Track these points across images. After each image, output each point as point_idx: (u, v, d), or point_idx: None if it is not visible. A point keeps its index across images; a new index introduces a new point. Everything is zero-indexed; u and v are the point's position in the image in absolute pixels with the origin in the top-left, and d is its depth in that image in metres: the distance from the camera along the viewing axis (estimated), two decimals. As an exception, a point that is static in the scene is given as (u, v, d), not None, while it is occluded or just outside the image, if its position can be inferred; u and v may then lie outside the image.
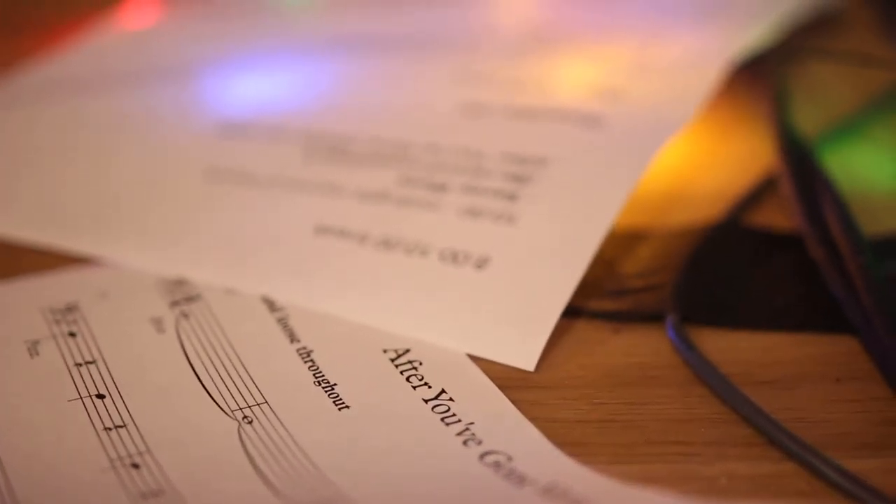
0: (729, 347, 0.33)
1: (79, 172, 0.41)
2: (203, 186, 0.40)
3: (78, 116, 0.44)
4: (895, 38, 0.49)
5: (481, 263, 0.35)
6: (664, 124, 0.39)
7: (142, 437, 0.30)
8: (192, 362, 0.33)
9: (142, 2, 0.54)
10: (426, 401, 0.31)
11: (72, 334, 0.34)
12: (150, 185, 0.40)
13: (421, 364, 0.32)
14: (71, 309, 0.35)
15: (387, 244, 0.36)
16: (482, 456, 0.29)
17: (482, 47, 0.46)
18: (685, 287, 0.35)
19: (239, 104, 0.44)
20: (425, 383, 0.32)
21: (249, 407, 0.31)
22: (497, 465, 0.29)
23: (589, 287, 0.35)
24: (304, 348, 0.33)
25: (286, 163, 0.40)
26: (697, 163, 0.42)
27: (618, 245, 0.37)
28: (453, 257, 0.35)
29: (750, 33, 0.45)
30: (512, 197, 0.37)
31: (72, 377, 0.32)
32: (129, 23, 0.52)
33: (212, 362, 0.33)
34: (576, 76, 0.44)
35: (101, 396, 0.31)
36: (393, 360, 0.33)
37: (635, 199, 0.37)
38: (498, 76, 0.44)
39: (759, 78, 0.44)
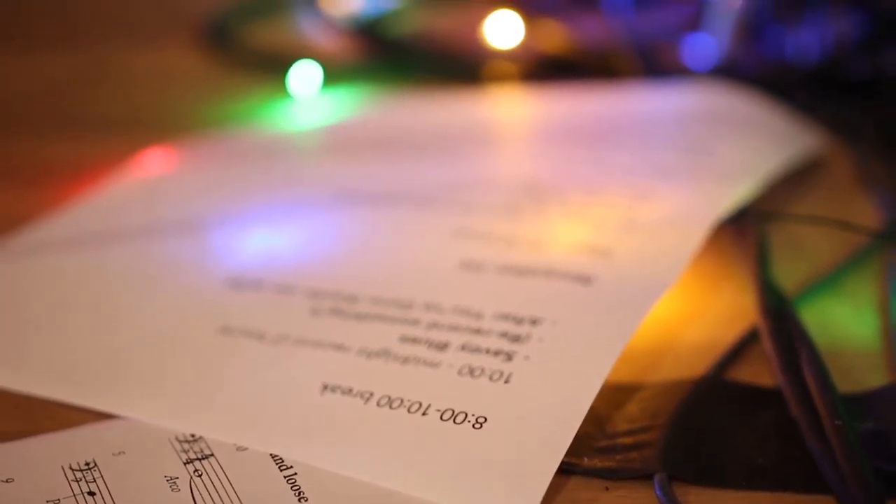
0: (714, 506, 0.35)
1: (92, 327, 0.43)
2: (214, 342, 0.42)
3: (91, 270, 0.47)
4: (874, 186, 0.52)
5: (479, 423, 0.37)
6: (653, 283, 0.42)
7: None
8: (206, 521, 0.34)
9: (154, 151, 0.57)
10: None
11: (91, 493, 0.35)
12: (162, 340, 0.42)
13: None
14: (90, 467, 0.36)
15: (390, 403, 0.38)
16: None
17: (479, 202, 0.48)
18: (672, 445, 0.37)
19: (248, 258, 0.47)
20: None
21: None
22: None
23: (580, 442, 0.37)
24: (312, 506, 0.35)
25: (294, 320, 0.42)
26: (685, 316, 0.44)
27: (607, 399, 0.39)
28: (453, 417, 0.37)
29: (735, 192, 0.47)
30: (508, 357, 0.39)
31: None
32: (142, 172, 0.55)
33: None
34: (568, 234, 0.46)
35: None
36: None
37: (625, 352, 0.39)
38: (494, 233, 0.46)
39: (743, 234, 0.47)
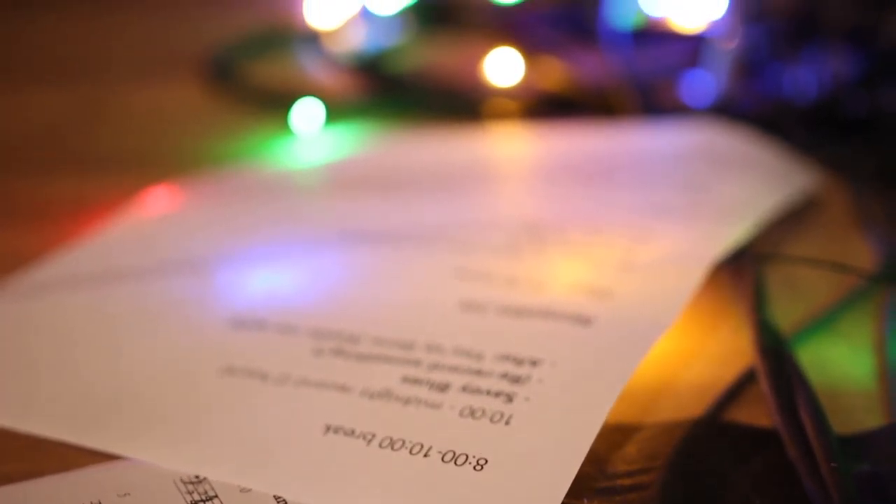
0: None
1: (96, 368, 0.44)
2: (218, 382, 0.42)
3: (95, 311, 0.47)
4: (871, 225, 0.52)
5: (480, 465, 0.37)
6: (652, 324, 0.42)
7: None
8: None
9: (157, 190, 0.57)
10: None
11: (96, 535, 0.36)
12: (166, 381, 0.43)
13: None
14: (95, 509, 0.37)
15: (392, 444, 0.38)
16: None
17: (480, 242, 0.49)
18: (670, 488, 0.38)
19: (251, 297, 0.47)
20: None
21: None
22: None
23: (580, 484, 0.37)
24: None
25: (297, 360, 0.43)
26: (683, 356, 0.45)
27: (607, 440, 0.40)
28: (454, 459, 0.37)
29: (732, 231, 0.48)
30: (508, 398, 0.39)
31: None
32: (145, 211, 0.55)
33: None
34: (567, 274, 0.46)
35: None
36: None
37: (624, 391, 0.40)
38: (495, 273, 0.47)
39: (740, 274, 0.47)
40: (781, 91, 0.66)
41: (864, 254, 0.51)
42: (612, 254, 0.47)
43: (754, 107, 0.65)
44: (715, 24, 0.73)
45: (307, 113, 0.66)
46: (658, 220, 0.49)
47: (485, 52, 0.74)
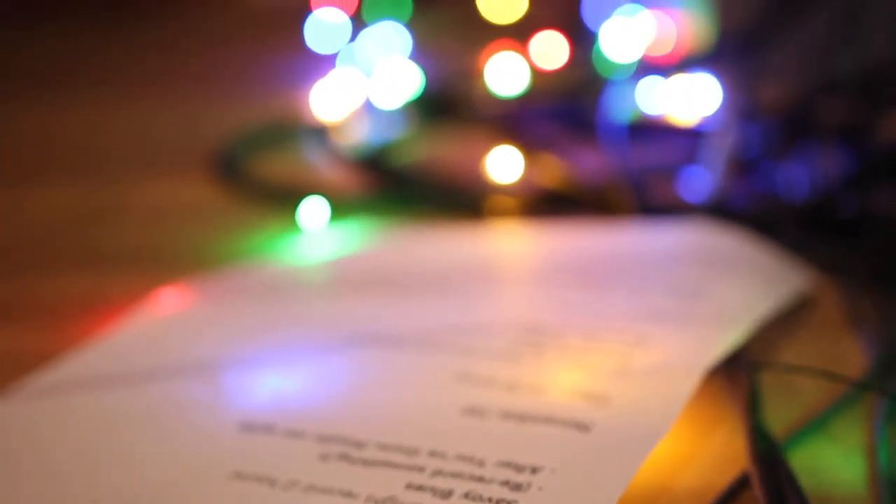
0: None
1: (106, 473, 0.45)
2: (228, 488, 0.44)
3: (105, 414, 0.48)
4: (863, 325, 0.54)
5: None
6: (648, 431, 0.43)
7: None
8: None
9: (168, 290, 0.59)
10: None
11: None
12: (177, 486, 0.44)
13: None
14: None
15: (396, 552, 0.40)
16: None
17: (482, 346, 0.50)
18: None
19: (260, 401, 0.48)
20: None
21: None
22: None
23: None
24: None
25: (304, 465, 0.44)
26: (679, 462, 0.46)
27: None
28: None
29: (726, 337, 0.49)
30: (509, 506, 0.41)
31: None
32: (156, 310, 0.57)
33: None
34: (566, 380, 0.48)
35: None
36: None
37: (620, 498, 0.41)
38: (496, 378, 0.48)
39: (734, 379, 0.49)
40: (775, 189, 0.68)
41: (856, 355, 0.52)
42: (609, 360, 0.48)
43: (748, 205, 0.66)
44: (709, 121, 0.75)
45: (313, 209, 0.67)
46: (654, 326, 0.51)
47: (485, 145, 0.76)
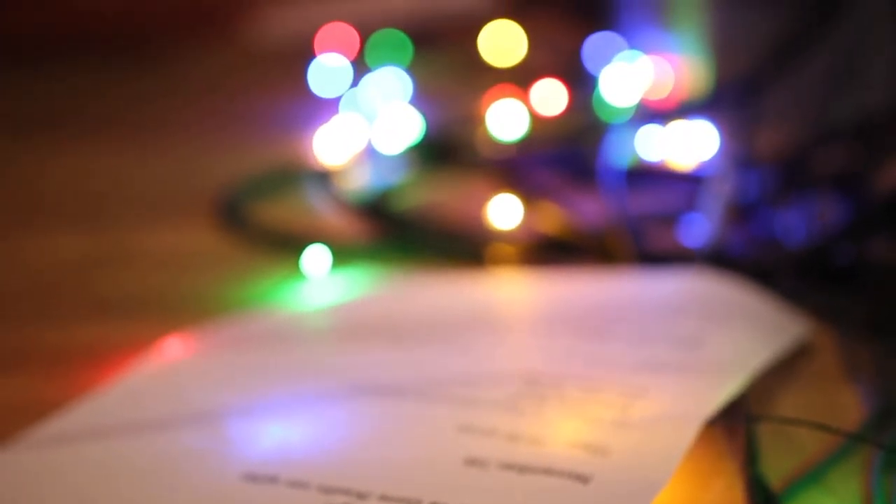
0: None
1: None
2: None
3: (110, 464, 0.49)
4: (859, 375, 0.54)
5: None
6: (647, 482, 0.44)
7: None
8: None
9: (172, 338, 0.59)
10: None
11: None
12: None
13: None
14: None
15: None
16: None
17: (483, 397, 0.51)
18: None
19: (264, 451, 0.49)
20: None
21: None
22: None
23: None
24: None
25: (307, 517, 0.45)
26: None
27: None
28: None
29: (724, 388, 0.50)
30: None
31: None
32: (160, 359, 0.57)
33: None
34: (566, 431, 0.49)
35: None
36: None
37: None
38: (497, 429, 0.49)
39: (732, 430, 0.49)
40: (772, 236, 0.68)
41: (853, 406, 0.53)
42: (608, 411, 0.49)
43: (746, 251, 0.67)
44: (707, 167, 0.76)
45: (317, 256, 0.68)
46: (653, 376, 0.51)
47: (486, 191, 0.77)
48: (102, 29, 1.30)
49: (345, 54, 1.00)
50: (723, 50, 0.88)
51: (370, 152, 0.85)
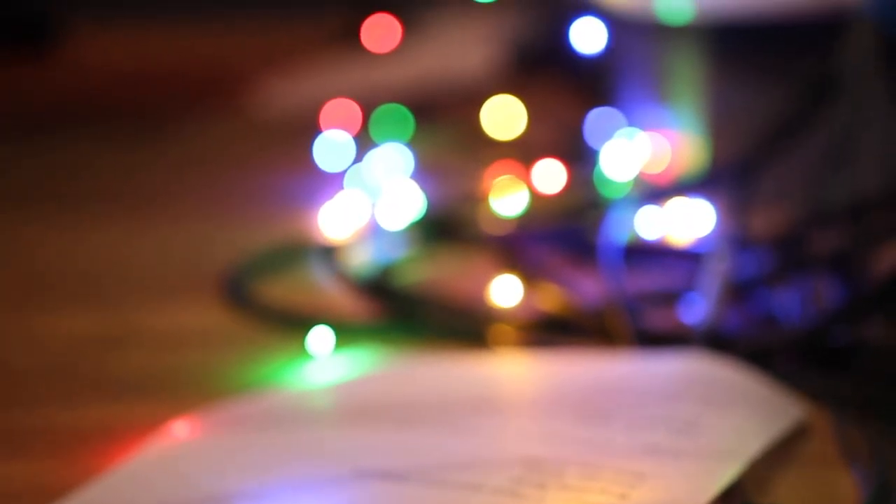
0: None
1: None
2: None
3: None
4: (854, 459, 0.55)
5: None
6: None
7: None
8: None
9: (178, 420, 0.60)
10: None
11: None
12: None
13: None
14: None
15: None
16: None
17: (485, 483, 0.52)
18: None
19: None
20: None
21: None
22: None
23: None
24: None
25: None
26: None
27: None
28: None
29: (721, 474, 0.51)
30: None
31: None
32: (165, 441, 0.58)
33: None
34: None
35: None
36: None
37: None
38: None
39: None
40: (768, 317, 0.70)
41: (848, 490, 0.53)
42: (608, 499, 0.50)
43: (742, 331, 0.68)
44: (704, 245, 0.77)
45: (321, 336, 0.69)
46: (651, 462, 0.52)
47: (487, 267, 0.78)
48: (104, 99, 1.32)
49: (348, 129, 1.01)
50: (719, 128, 0.90)
51: (373, 228, 0.86)
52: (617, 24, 0.92)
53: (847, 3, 0.81)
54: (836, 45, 0.79)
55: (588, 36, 0.91)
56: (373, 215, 0.87)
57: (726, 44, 0.88)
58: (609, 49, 0.92)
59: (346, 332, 0.71)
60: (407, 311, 0.73)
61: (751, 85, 0.87)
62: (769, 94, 0.85)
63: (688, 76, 0.90)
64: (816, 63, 0.80)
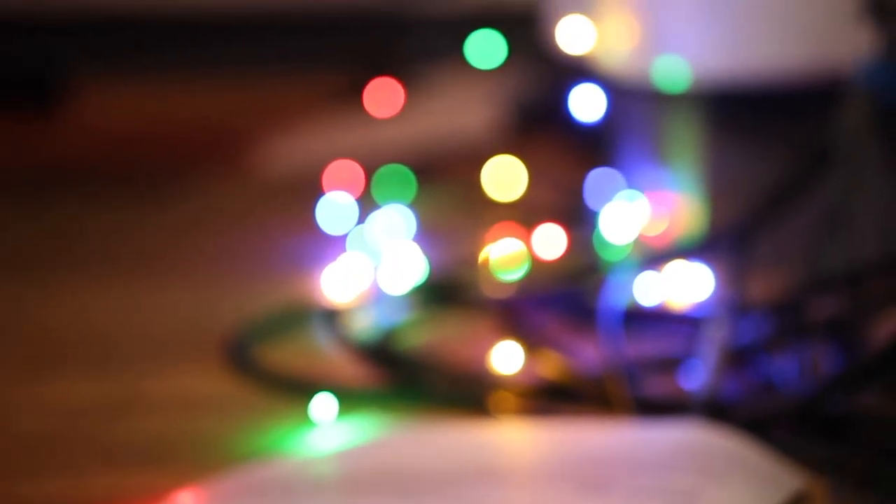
0: None
1: None
2: None
3: None
4: None
5: None
6: None
7: None
8: None
9: (181, 493, 0.61)
10: None
11: None
12: None
13: None
14: None
15: None
16: None
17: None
18: None
19: None
20: None
21: None
22: None
23: None
24: None
25: None
26: None
27: None
28: None
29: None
30: None
31: None
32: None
33: None
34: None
35: None
36: None
37: None
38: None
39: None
40: (767, 383, 0.70)
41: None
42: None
43: (740, 399, 0.69)
44: (702, 310, 0.78)
45: (324, 403, 0.70)
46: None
47: (488, 331, 0.79)
48: (106, 159, 1.33)
49: (351, 191, 1.02)
50: (717, 192, 0.90)
51: (376, 291, 0.87)
52: (616, 90, 0.93)
53: (842, 72, 0.82)
54: (832, 113, 0.79)
55: (587, 103, 0.92)
56: (375, 279, 0.87)
57: (725, 110, 0.89)
58: (608, 114, 0.93)
59: (349, 399, 0.71)
60: (409, 378, 0.74)
61: (749, 150, 0.88)
62: (767, 160, 0.86)
63: (686, 141, 0.91)
64: (813, 130, 0.81)
